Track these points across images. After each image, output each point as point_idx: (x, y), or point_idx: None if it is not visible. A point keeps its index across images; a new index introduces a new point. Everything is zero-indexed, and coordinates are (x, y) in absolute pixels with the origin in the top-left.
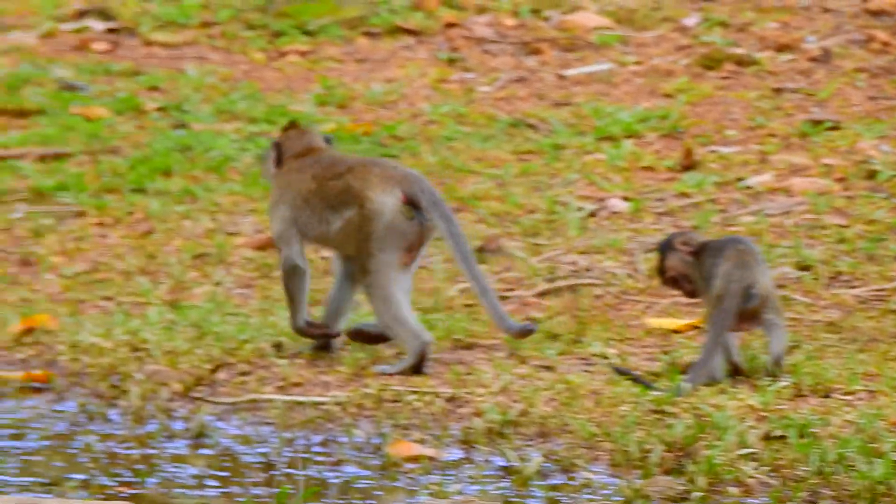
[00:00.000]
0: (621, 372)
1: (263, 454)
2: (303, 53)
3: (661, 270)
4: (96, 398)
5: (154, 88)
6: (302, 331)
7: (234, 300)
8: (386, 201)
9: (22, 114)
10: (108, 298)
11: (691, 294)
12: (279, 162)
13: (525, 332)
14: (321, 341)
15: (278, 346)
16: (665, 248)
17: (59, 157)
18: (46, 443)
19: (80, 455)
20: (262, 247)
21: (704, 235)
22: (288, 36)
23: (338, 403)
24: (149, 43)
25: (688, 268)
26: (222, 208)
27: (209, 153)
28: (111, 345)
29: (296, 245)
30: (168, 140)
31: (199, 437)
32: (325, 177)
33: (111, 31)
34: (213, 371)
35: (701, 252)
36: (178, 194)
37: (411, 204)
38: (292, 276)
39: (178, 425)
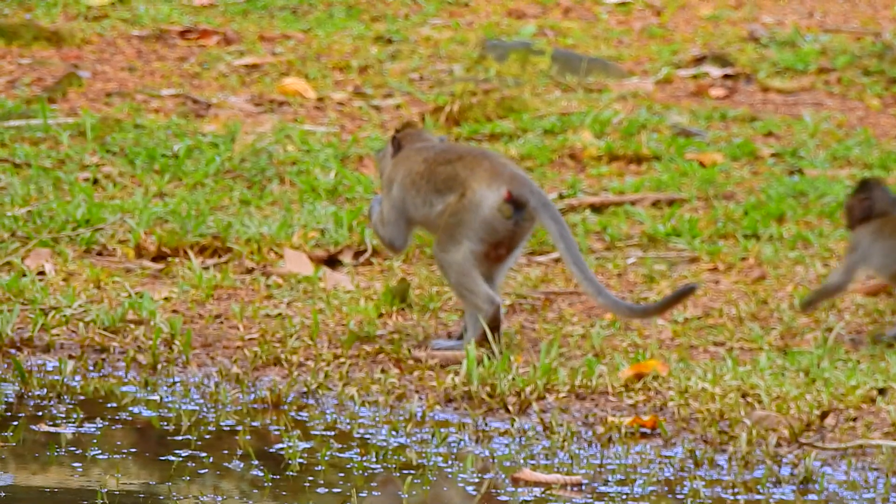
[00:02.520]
0: None
1: (869, 500)
2: None
3: None
4: (704, 444)
5: (769, 134)
6: None
7: (844, 346)
8: (487, 195)
9: (638, 159)
10: (720, 344)
11: None
12: (396, 154)
13: (676, 299)
14: None
15: (884, 392)
16: None
17: (673, 202)
18: (654, 488)
19: (687, 501)
20: (874, 293)
21: None
22: None
23: None
24: (765, 89)
25: None
26: (835, 254)
27: (823, 199)
28: (720, 390)
29: (399, 228)
30: (782, 186)
31: (805, 482)
32: (437, 161)
33: (728, 77)
34: (822, 417)
35: None
36: (791, 240)
37: (514, 203)
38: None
39: (786, 471)
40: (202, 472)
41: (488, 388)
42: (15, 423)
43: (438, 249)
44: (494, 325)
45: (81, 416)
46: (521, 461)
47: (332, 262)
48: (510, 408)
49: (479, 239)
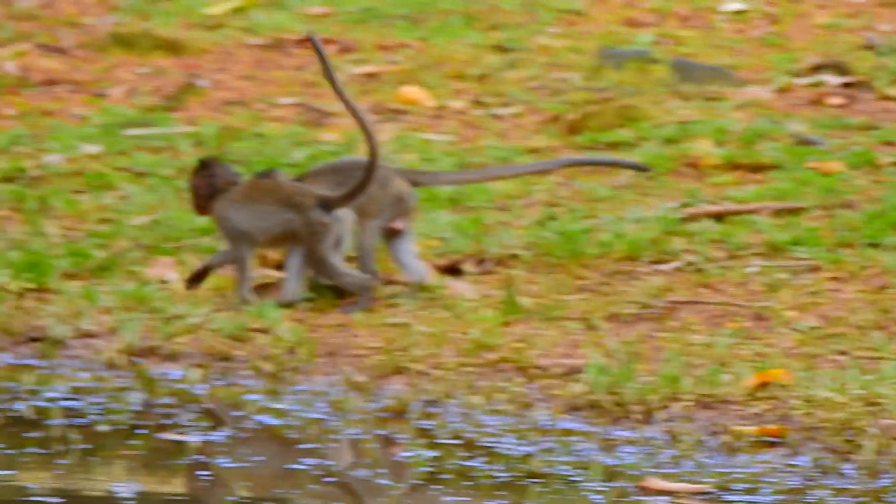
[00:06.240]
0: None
1: None
2: None
3: None
4: (830, 453)
5: (888, 143)
6: None
7: None
8: None
9: (757, 168)
10: (843, 353)
11: None
12: None
13: None
14: None
15: None
16: None
17: (793, 211)
18: (780, 497)
19: None
20: None
21: None
22: None
23: None
24: (884, 97)
25: None
26: None
27: None
28: (845, 399)
29: None
30: None
31: None
32: None
33: (846, 85)
34: None
35: None
36: None
37: None
38: None
39: None
40: (328, 480)
41: (614, 398)
42: (141, 431)
43: None
44: None
45: (207, 424)
46: (647, 470)
47: (454, 270)
48: (635, 417)
49: None
